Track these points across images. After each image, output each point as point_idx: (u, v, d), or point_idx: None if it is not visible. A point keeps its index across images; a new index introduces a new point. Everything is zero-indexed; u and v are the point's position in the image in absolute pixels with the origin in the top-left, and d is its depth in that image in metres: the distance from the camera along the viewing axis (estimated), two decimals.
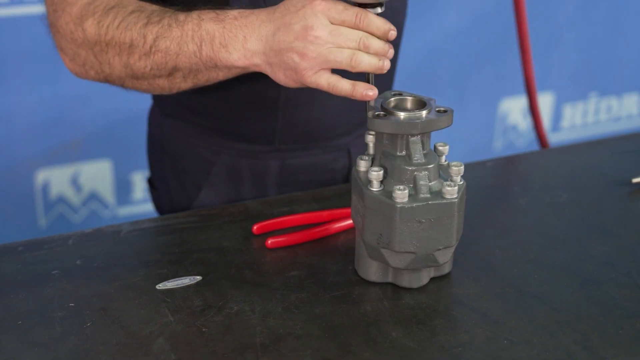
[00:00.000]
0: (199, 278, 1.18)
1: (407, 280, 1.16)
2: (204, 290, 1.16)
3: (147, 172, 2.75)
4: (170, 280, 1.18)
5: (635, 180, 1.48)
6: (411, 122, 1.11)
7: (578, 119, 3.57)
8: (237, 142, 1.51)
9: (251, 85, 1.41)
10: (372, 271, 1.17)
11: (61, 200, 2.68)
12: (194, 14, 1.22)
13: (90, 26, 1.26)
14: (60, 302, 1.13)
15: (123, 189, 2.76)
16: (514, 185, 1.48)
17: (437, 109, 1.13)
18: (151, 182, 1.70)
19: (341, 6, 1.12)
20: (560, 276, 1.21)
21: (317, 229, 1.29)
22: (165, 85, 1.29)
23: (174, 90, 1.30)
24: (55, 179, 2.65)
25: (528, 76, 2.10)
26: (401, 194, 1.08)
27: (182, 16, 1.22)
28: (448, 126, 1.13)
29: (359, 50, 1.12)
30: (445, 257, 1.14)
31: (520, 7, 2.00)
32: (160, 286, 1.16)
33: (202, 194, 1.54)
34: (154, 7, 1.26)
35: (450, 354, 1.04)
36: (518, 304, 1.14)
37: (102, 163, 2.70)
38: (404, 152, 1.13)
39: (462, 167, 1.13)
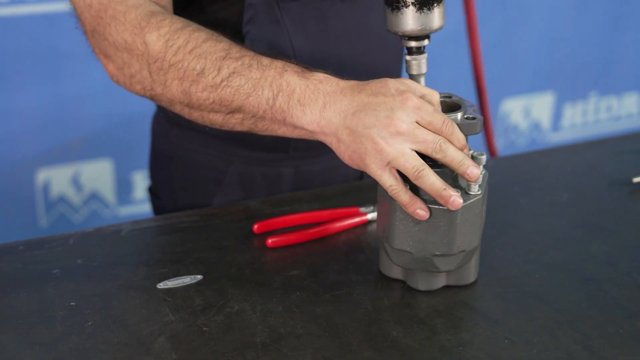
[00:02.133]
0: (199, 277, 1.19)
1: (417, 282, 1.16)
2: (205, 289, 1.16)
3: (147, 172, 2.76)
4: (171, 280, 1.18)
5: (635, 179, 1.48)
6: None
7: (578, 119, 3.57)
8: (250, 151, 1.50)
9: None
10: (390, 267, 1.18)
11: (62, 199, 2.68)
12: (279, 62, 1.15)
13: (155, 41, 1.19)
14: (61, 302, 1.13)
15: (124, 189, 2.77)
16: (514, 185, 1.48)
17: (466, 116, 1.12)
18: (152, 192, 1.68)
19: (431, 108, 1.08)
20: (560, 276, 1.21)
21: (318, 228, 1.30)
22: (218, 122, 1.21)
23: (224, 128, 1.22)
24: (56, 178, 2.65)
25: (479, 79, 2.10)
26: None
27: (265, 60, 1.16)
28: (473, 134, 1.12)
29: (433, 155, 1.07)
30: (447, 265, 1.13)
31: (470, 10, 1.98)
32: (161, 285, 1.17)
33: (214, 203, 1.52)
34: (228, 40, 1.20)
35: (450, 353, 1.04)
36: (518, 304, 1.14)
37: (103, 163, 2.70)
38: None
39: (481, 178, 1.12)
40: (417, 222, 1.09)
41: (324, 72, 1.14)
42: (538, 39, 3.32)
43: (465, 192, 1.10)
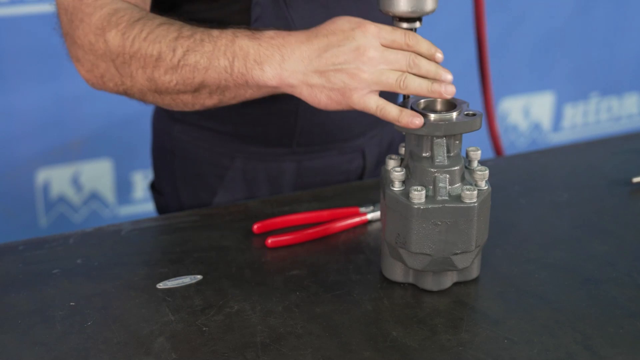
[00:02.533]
0: (199, 277, 1.19)
1: (428, 283, 1.16)
2: (205, 289, 1.16)
3: (147, 172, 2.76)
4: (170, 280, 1.18)
5: (635, 179, 1.47)
6: (435, 123, 1.10)
7: (579, 119, 3.57)
8: (253, 146, 1.50)
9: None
10: (395, 270, 1.17)
11: (62, 199, 2.68)
12: (229, 31, 1.19)
13: (113, 37, 1.22)
14: (61, 301, 1.13)
15: (123, 189, 2.77)
16: (514, 185, 1.48)
17: (465, 112, 1.12)
18: (155, 188, 1.68)
19: (389, 27, 1.12)
20: (560, 276, 1.21)
21: (318, 228, 1.30)
22: (189, 101, 1.25)
23: (197, 107, 1.26)
24: (56, 178, 2.65)
25: (485, 81, 2.10)
26: (418, 195, 1.08)
27: (215, 32, 1.19)
28: (474, 130, 1.12)
29: (408, 72, 1.12)
30: (464, 262, 1.13)
31: (479, 10, 1.99)
32: (161, 285, 1.17)
33: (216, 199, 1.53)
34: (183, 22, 1.23)
35: (450, 353, 1.04)
36: (518, 304, 1.14)
37: (103, 162, 2.70)
38: (428, 154, 1.12)
39: (487, 172, 1.12)
40: (436, 223, 1.09)
41: (273, 29, 1.18)
42: (538, 39, 3.32)
43: (473, 189, 1.10)
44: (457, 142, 1.14)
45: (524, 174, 1.54)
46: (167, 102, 1.26)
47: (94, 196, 2.73)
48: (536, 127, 3.48)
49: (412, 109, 1.13)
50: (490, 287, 1.18)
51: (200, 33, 1.20)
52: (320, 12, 1.37)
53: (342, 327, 1.09)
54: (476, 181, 1.12)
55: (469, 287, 1.18)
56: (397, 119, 1.10)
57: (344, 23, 1.13)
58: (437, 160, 1.11)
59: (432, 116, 1.11)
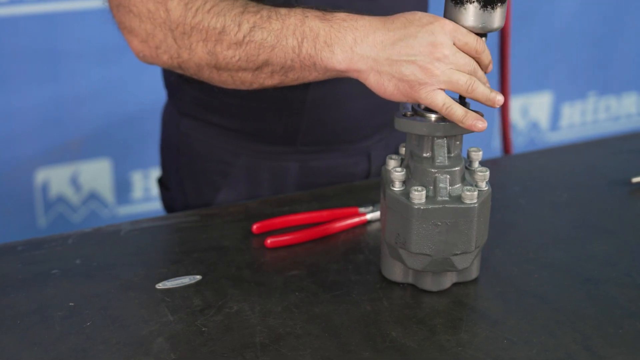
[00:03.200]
0: (198, 277, 1.18)
1: (428, 283, 1.16)
2: (204, 289, 1.16)
3: (146, 172, 2.76)
4: (170, 280, 1.18)
5: (635, 179, 1.48)
6: (435, 124, 1.11)
7: (577, 118, 3.57)
8: (258, 143, 1.50)
9: (278, 87, 1.35)
10: (394, 271, 1.17)
11: (61, 199, 2.68)
12: (298, 10, 1.16)
13: (175, 6, 1.19)
14: (59, 302, 1.13)
15: (123, 189, 2.76)
16: (513, 185, 1.48)
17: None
18: (162, 183, 1.69)
19: (465, 30, 1.11)
20: (560, 276, 1.21)
21: (317, 229, 1.29)
22: (248, 79, 1.22)
23: (255, 86, 1.23)
24: (55, 178, 2.65)
25: (504, 80, 2.11)
26: (418, 195, 1.08)
27: (284, 10, 1.16)
28: (476, 131, 1.12)
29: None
30: (464, 263, 1.13)
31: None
32: (160, 285, 1.16)
33: (220, 196, 1.53)
34: None
35: (449, 353, 1.04)
36: (518, 304, 1.14)
37: (102, 162, 2.70)
38: (429, 154, 1.12)
39: (488, 173, 1.13)
40: (436, 224, 1.09)
41: (345, 11, 1.16)
42: (536, 38, 3.32)
43: (474, 189, 1.10)
44: (458, 142, 1.14)
45: (524, 174, 1.54)
46: (224, 78, 1.23)
47: (93, 196, 2.73)
48: (534, 126, 3.48)
49: (413, 108, 1.13)
50: (490, 287, 1.18)
51: (267, 10, 1.17)
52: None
53: (342, 327, 1.08)
54: (477, 182, 1.12)
55: (468, 288, 1.17)
56: (461, 119, 1.10)
57: (423, 16, 1.12)
58: (438, 161, 1.11)
59: (433, 117, 1.11)
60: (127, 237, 1.29)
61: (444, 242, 1.10)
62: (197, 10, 1.19)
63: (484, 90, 1.11)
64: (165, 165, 1.66)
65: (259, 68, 1.19)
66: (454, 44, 1.10)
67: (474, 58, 1.12)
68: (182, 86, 1.51)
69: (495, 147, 3.35)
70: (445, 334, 1.07)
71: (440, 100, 1.10)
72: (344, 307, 1.13)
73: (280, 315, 1.10)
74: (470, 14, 1.10)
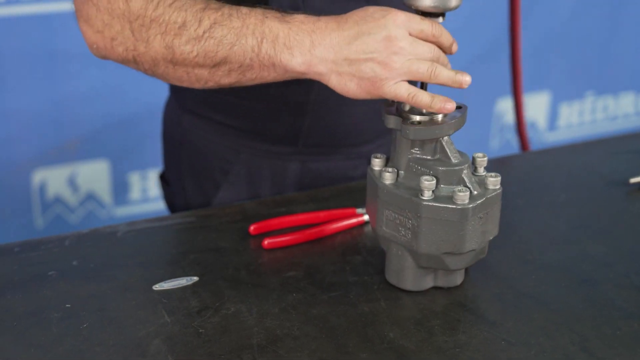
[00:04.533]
0: (195, 279, 1.18)
1: (449, 280, 1.17)
2: (201, 291, 1.16)
3: (144, 172, 2.76)
4: (167, 281, 1.17)
5: (633, 180, 1.48)
6: (448, 123, 1.12)
7: (574, 118, 3.57)
8: (259, 142, 1.50)
9: (281, 87, 1.34)
10: (417, 280, 1.16)
11: (58, 200, 2.67)
12: (258, 10, 1.17)
13: None
14: (56, 303, 1.13)
15: (120, 190, 2.76)
16: (511, 185, 1.48)
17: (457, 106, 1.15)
18: (164, 179, 1.69)
19: (418, 17, 1.12)
20: (558, 277, 1.21)
21: (314, 230, 1.29)
22: (204, 77, 1.21)
23: (210, 85, 1.22)
24: (52, 179, 2.64)
25: (516, 77, 2.12)
26: (463, 196, 1.08)
27: (244, 9, 1.17)
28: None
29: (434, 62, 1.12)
30: (482, 254, 1.16)
31: (515, 10, 2.00)
32: (157, 287, 1.16)
33: (220, 194, 1.53)
34: None
35: (447, 354, 1.04)
36: (516, 305, 1.14)
37: (99, 163, 2.70)
38: (437, 155, 1.13)
39: (486, 159, 1.16)
40: (480, 217, 1.10)
41: (303, 14, 1.17)
42: (534, 39, 3.32)
43: (494, 175, 1.13)
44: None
45: (521, 175, 1.54)
46: (179, 75, 1.22)
47: (91, 197, 2.72)
48: (532, 126, 3.48)
49: (397, 110, 1.14)
50: (487, 288, 1.18)
51: (228, 8, 1.17)
52: (335, 10, 1.37)
53: (339, 328, 1.08)
54: (477, 168, 1.16)
55: (465, 289, 1.17)
56: (429, 104, 1.10)
57: (374, 11, 1.13)
58: (455, 158, 1.12)
59: (440, 117, 1.13)
60: (124, 239, 1.29)
61: (484, 233, 1.12)
62: (158, 3, 1.18)
63: (448, 74, 1.12)
64: (166, 161, 1.67)
65: (216, 65, 1.18)
66: (409, 34, 1.11)
67: (433, 43, 1.12)
68: None
69: (493, 146, 3.35)
70: (443, 335, 1.07)
71: (404, 91, 1.11)
72: (342, 309, 1.12)
73: (278, 317, 1.10)
74: None
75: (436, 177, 1.11)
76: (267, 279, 1.19)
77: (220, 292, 1.15)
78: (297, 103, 1.44)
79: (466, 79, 1.12)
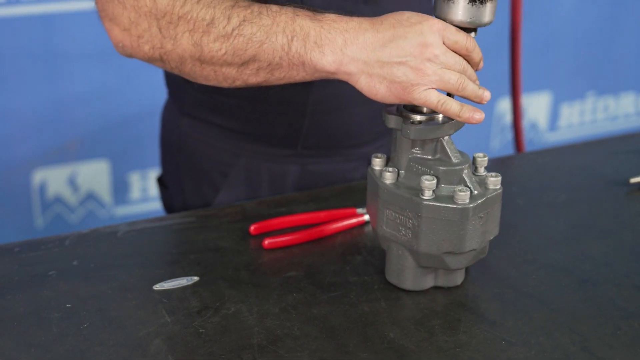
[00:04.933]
0: (196, 279, 1.18)
1: (450, 279, 1.17)
2: (201, 290, 1.16)
3: (144, 172, 2.76)
4: (167, 281, 1.17)
5: (633, 180, 1.47)
6: (449, 123, 1.12)
7: (575, 118, 3.57)
8: (259, 145, 1.49)
9: (280, 89, 1.32)
10: (418, 280, 1.16)
11: (58, 200, 2.67)
12: (289, 8, 1.15)
13: None
14: (57, 303, 1.13)
15: (120, 189, 2.76)
16: (511, 185, 1.48)
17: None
18: (162, 181, 1.68)
19: (454, 28, 1.11)
20: (558, 276, 1.21)
21: (315, 230, 1.29)
22: (231, 75, 1.19)
23: (237, 83, 1.21)
24: (52, 179, 2.64)
25: (515, 77, 2.12)
26: (464, 195, 1.09)
27: (275, 7, 1.15)
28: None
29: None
30: (483, 254, 1.16)
31: (516, 10, 2.00)
32: (158, 287, 1.16)
33: (219, 197, 1.52)
34: None
35: (448, 354, 1.04)
36: (516, 305, 1.14)
37: (100, 163, 2.70)
38: (438, 155, 1.13)
39: (486, 159, 1.16)
40: (481, 217, 1.10)
41: (334, 13, 1.15)
42: (535, 38, 3.32)
43: (494, 175, 1.13)
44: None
45: (522, 175, 1.54)
46: (207, 73, 1.20)
47: (91, 197, 2.72)
48: (533, 126, 3.48)
49: (397, 109, 1.14)
50: (488, 288, 1.18)
51: (258, 6, 1.16)
52: (332, 6, 1.37)
53: (339, 328, 1.08)
54: (476, 167, 1.16)
55: (466, 289, 1.17)
56: (458, 113, 1.10)
57: (411, 16, 1.11)
58: (455, 158, 1.13)
59: (440, 117, 1.13)
60: (124, 239, 1.29)
61: (484, 232, 1.12)
62: (185, 0, 1.17)
63: (473, 87, 1.11)
64: (164, 164, 1.66)
65: (244, 64, 1.17)
66: (443, 43, 1.10)
67: (464, 56, 1.12)
68: (183, 86, 1.51)
69: (493, 146, 3.35)
70: (444, 335, 1.07)
71: (435, 98, 1.10)
72: (342, 308, 1.12)
73: (278, 317, 1.10)
74: (460, 8, 1.10)
75: (437, 177, 1.11)
76: (268, 279, 1.19)
77: (220, 292, 1.15)
78: (296, 105, 1.44)
79: (486, 94, 1.12)
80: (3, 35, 2.44)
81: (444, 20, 1.12)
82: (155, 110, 1.76)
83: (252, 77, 1.19)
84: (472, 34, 1.13)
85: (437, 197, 1.10)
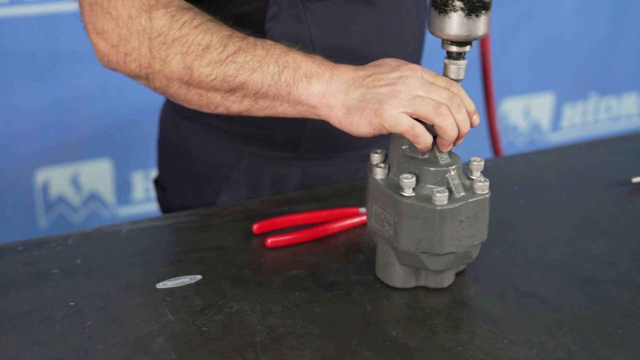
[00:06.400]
0: (199, 277, 1.19)
1: (436, 280, 1.17)
2: (204, 289, 1.16)
3: (147, 172, 2.76)
4: (170, 280, 1.18)
5: (634, 180, 1.48)
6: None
7: (578, 119, 3.57)
8: (260, 148, 1.49)
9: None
10: (402, 277, 1.17)
11: (61, 200, 2.68)
12: (283, 43, 1.20)
13: (161, 16, 1.19)
14: (60, 302, 1.13)
15: (123, 189, 2.77)
16: (513, 185, 1.48)
17: None
18: (158, 184, 1.68)
19: (433, 73, 1.13)
20: (559, 276, 1.21)
21: (317, 229, 1.30)
22: (215, 101, 1.22)
23: (220, 110, 1.23)
24: (55, 178, 2.65)
25: (487, 82, 2.13)
26: (441, 197, 1.08)
27: (269, 42, 1.19)
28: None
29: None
30: (476, 252, 1.16)
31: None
32: (161, 285, 1.17)
33: (220, 200, 1.52)
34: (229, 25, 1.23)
35: (450, 353, 1.04)
36: (518, 304, 1.14)
37: (102, 163, 2.70)
38: (426, 155, 1.13)
39: (483, 163, 1.15)
40: (461, 220, 1.10)
41: (321, 55, 1.19)
42: (538, 39, 3.32)
43: (484, 180, 1.13)
44: None
45: (523, 174, 1.54)
46: (191, 96, 1.23)
47: (94, 196, 2.73)
48: (535, 127, 3.48)
49: None
50: (490, 287, 1.18)
51: (253, 38, 1.20)
52: (337, 18, 1.37)
53: (342, 327, 1.09)
54: (472, 171, 1.15)
55: (468, 287, 1.18)
56: (427, 145, 1.11)
57: (392, 60, 1.16)
58: (443, 159, 1.12)
59: None
60: (128, 237, 1.30)
61: (467, 237, 1.12)
62: (184, 23, 1.19)
63: (451, 122, 1.10)
64: (162, 166, 1.65)
65: (231, 90, 1.19)
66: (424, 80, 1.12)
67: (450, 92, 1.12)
68: None
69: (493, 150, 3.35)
70: (446, 334, 1.07)
71: (406, 122, 1.10)
72: (344, 307, 1.13)
73: (281, 315, 1.11)
74: (455, 22, 1.11)
75: (418, 176, 1.11)
76: (270, 278, 1.19)
77: (223, 290, 1.16)
78: None
79: (458, 142, 1.13)
80: (6, 35, 2.44)
81: (439, 36, 1.13)
82: (158, 110, 1.76)
83: (235, 104, 1.21)
84: (467, 47, 1.13)
85: (417, 196, 1.10)
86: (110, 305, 1.12)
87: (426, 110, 1.09)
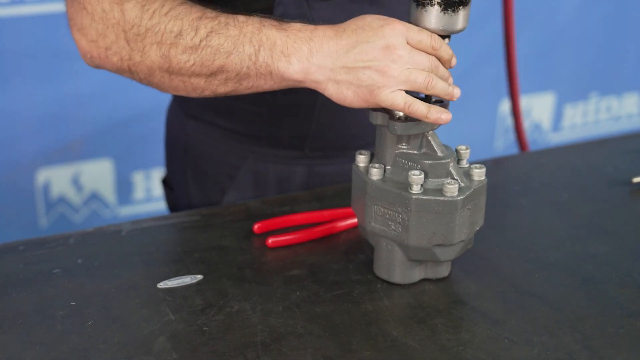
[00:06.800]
0: (200, 277, 1.19)
1: (437, 271, 1.19)
2: (205, 289, 1.16)
3: (148, 172, 2.76)
4: (171, 279, 1.18)
5: (635, 179, 1.48)
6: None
7: (578, 119, 3.57)
8: (266, 147, 1.50)
9: (287, 91, 1.30)
10: (406, 274, 1.17)
11: (62, 200, 2.68)
12: (255, 18, 1.17)
13: (132, 8, 1.18)
14: (61, 301, 1.13)
15: (124, 189, 2.77)
16: (514, 184, 1.48)
17: (434, 101, 1.16)
18: (166, 183, 1.68)
19: (416, 28, 1.12)
20: (560, 275, 1.21)
21: (318, 228, 1.30)
22: (200, 86, 1.21)
23: (206, 94, 1.22)
24: (56, 178, 2.65)
25: (512, 77, 2.14)
26: (452, 188, 1.10)
27: (241, 17, 1.17)
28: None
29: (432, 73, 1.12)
30: (470, 244, 1.18)
31: (508, 11, 2.01)
32: (161, 285, 1.17)
33: (226, 199, 1.52)
34: (202, 5, 1.20)
35: (450, 353, 1.04)
36: (518, 303, 1.14)
37: (103, 163, 2.70)
38: (423, 149, 1.14)
39: (469, 151, 1.18)
40: (469, 208, 1.12)
41: (300, 22, 1.16)
42: (538, 39, 3.32)
43: (479, 167, 1.15)
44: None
45: (524, 174, 1.54)
46: (175, 84, 1.22)
47: (95, 196, 2.73)
48: (536, 127, 3.48)
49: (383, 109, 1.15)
50: (490, 286, 1.18)
51: (224, 16, 1.17)
52: (342, 17, 1.37)
53: (343, 326, 1.09)
54: (460, 160, 1.18)
55: (469, 287, 1.18)
56: (425, 115, 1.11)
57: (372, 20, 1.13)
58: (440, 152, 1.14)
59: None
60: (129, 237, 1.30)
61: (472, 223, 1.14)
62: (154, 12, 1.18)
63: (442, 85, 1.12)
64: (169, 166, 1.66)
65: (212, 74, 1.18)
66: (407, 43, 1.11)
67: (432, 55, 1.12)
68: None
69: (497, 147, 3.35)
70: (446, 334, 1.08)
71: (401, 100, 1.11)
72: (345, 307, 1.13)
73: (282, 315, 1.11)
74: (432, 16, 1.12)
75: (424, 171, 1.12)
76: (271, 278, 1.19)
77: (224, 290, 1.16)
78: (304, 107, 1.44)
79: (456, 92, 1.13)
80: (7, 35, 2.44)
81: (417, 27, 1.13)
82: (159, 110, 1.76)
83: (220, 87, 1.20)
84: (446, 40, 1.14)
85: (425, 191, 1.11)
86: (111, 305, 1.13)
87: (418, 85, 1.11)
